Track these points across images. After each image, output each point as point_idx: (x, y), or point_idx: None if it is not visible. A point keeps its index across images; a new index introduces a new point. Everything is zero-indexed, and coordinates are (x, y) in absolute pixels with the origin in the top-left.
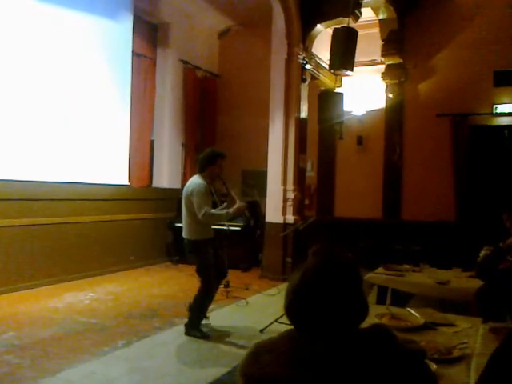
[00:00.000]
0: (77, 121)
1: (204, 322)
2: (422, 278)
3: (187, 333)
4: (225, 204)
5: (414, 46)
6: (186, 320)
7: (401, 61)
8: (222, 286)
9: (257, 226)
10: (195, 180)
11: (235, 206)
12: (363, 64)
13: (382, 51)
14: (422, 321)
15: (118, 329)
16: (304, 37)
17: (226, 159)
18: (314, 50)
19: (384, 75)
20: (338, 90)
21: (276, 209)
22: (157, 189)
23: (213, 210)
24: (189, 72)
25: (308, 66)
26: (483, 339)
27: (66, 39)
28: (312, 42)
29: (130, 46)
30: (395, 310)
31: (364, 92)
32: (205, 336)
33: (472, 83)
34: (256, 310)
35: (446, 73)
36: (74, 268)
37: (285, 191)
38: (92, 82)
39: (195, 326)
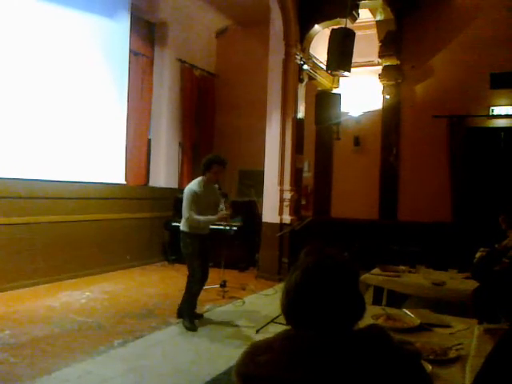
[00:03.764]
0: (74, 119)
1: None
2: (418, 278)
3: (181, 315)
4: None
5: (411, 48)
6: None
7: (398, 62)
8: (217, 285)
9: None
10: (192, 184)
11: (218, 214)
12: (360, 65)
13: (380, 52)
14: (417, 322)
15: (114, 328)
16: (302, 37)
17: (224, 165)
18: (311, 51)
19: (381, 76)
20: (335, 90)
21: (273, 209)
22: (153, 188)
23: (196, 216)
24: (186, 71)
25: (305, 67)
26: (478, 340)
27: (63, 37)
28: (310, 42)
29: (127, 45)
30: (391, 310)
31: (361, 93)
32: (191, 328)
33: (469, 85)
34: (252, 310)
35: (443, 74)
36: (70, 267)
37: (281, 191)
38: (89, 80)
39: (187, 314)
